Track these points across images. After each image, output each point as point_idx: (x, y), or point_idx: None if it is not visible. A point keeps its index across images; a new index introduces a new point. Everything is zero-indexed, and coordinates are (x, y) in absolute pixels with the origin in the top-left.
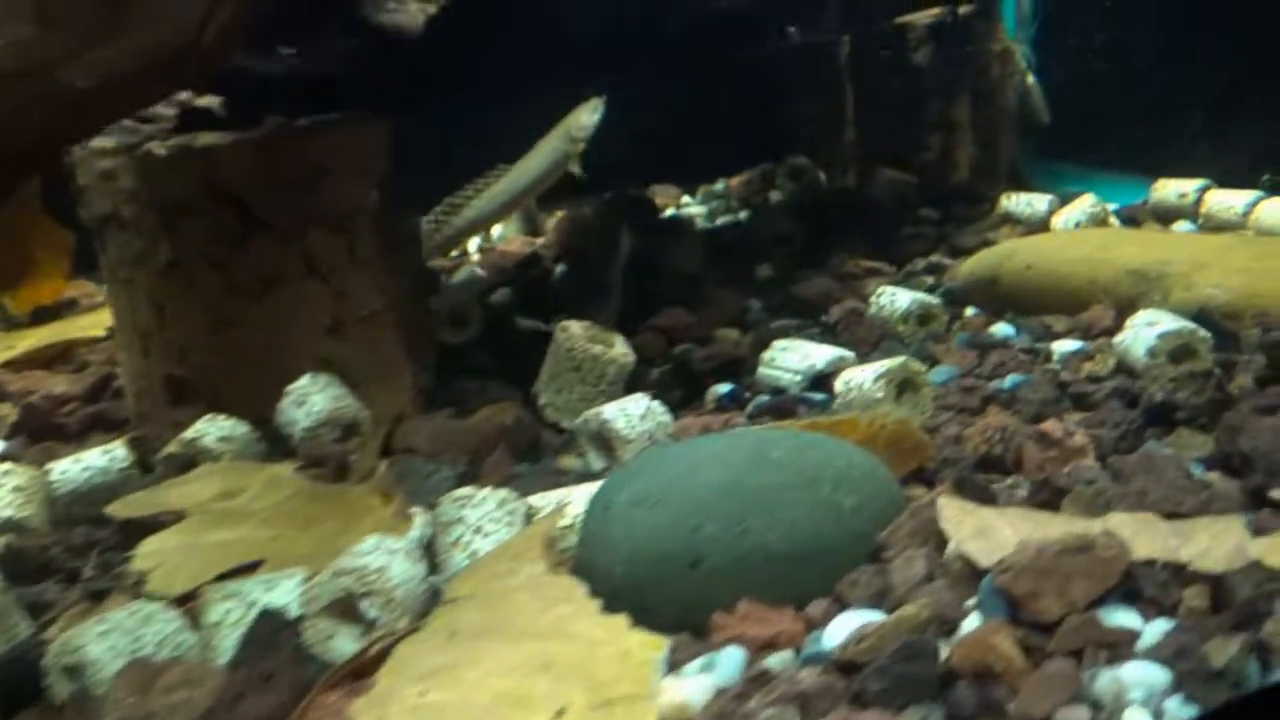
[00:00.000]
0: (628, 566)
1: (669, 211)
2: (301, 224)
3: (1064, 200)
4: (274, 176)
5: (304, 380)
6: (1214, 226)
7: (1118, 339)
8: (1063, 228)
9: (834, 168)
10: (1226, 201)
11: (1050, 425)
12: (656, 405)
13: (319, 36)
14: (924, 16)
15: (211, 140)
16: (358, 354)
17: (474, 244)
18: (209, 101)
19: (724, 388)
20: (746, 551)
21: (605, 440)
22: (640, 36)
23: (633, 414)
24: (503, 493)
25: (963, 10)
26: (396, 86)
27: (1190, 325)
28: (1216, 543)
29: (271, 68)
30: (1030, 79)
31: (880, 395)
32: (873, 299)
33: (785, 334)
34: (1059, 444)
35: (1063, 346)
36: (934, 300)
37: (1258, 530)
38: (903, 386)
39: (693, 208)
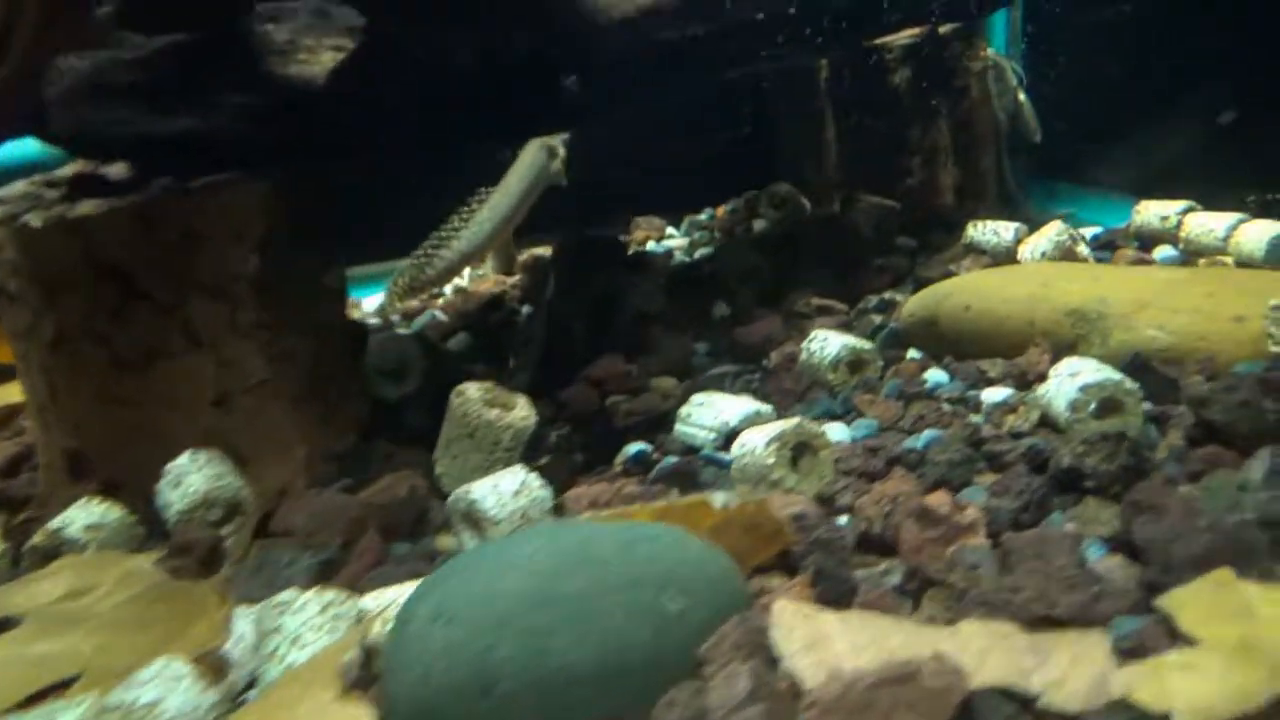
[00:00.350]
0: (416, 694)
1: (650, 244)
2: (181, 293)
3: (1033, 227)
4: (151, 244)
5: (183, 459)
6: (1195, 252)
7: (1041, 389)
8: (1029, 258)
9: (820, 194)
10: (1207, 225)
11: (938, 498)
12: (533, 479)
13: (218, 93)
14: (901, 37)
15: (88, 210)
16: (245, 427)
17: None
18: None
19: (636, 448)
20: (547, 674)
21: (475, 520)
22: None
23: (505, 490)
24: (330, 593)
25: (944, 30)
26: (304, 141)
27: (1114, 376)
28: (1076, 669)
29: (167, 128)
30: (1022, 96)
31: (771, 461)
32: (804, 344)
33: (721, 382)
34: (945, 520)
35: (993, 395)
36: (866, 345)
37: (1137, 647)
38: (799, 450)
39: (675, 240)
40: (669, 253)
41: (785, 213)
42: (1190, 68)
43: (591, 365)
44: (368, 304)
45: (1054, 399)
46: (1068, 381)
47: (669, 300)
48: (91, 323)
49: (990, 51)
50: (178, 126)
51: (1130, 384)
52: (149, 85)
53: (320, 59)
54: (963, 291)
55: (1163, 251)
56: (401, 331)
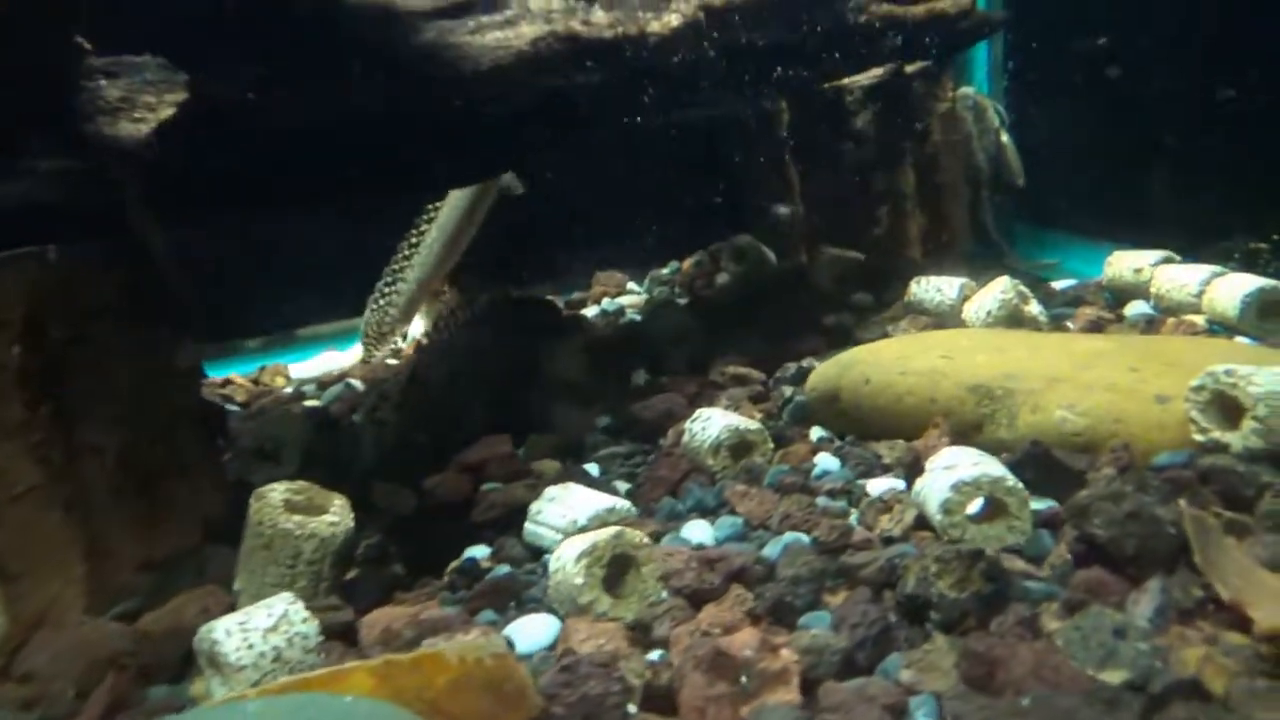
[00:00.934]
0: None
1: (604, 301)
2: None
3: (1020, 277)
4: None
5: None
6: (1167, 309)
7: (917, 485)
8: (974, 318)
9: (786, 245)
10: (1179, 279)
11: (748, 635)
12: (296, 611)
13: (27, 159)
14: (864, 78)
15: None
16: (12, 540)
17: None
18: None
19: (471, 554)
20: None
21: (218, 665)
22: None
23: (254, 627)
24: None
25: (909, 69)
26: (131, 206)
27: (993, 471)
28: None
29: None
30: (1004, 137)
31: (581, 581)
32: (687, 424)
33: (611, 465)
34: (748, 667)
35: (878, 487)
36: (752, 426)
37: None
38: (619, 565)
39: (632, 296)
40: (619, 310)
41: (747, 266)
42: (1180, 106)
43: (471, 446)
44: (296, 370)
45: (927, 497)
46: (941, 476)
47: (591, 367)
48: None
49: (969, 90)
50: None
51: (1012, 482)
52: None
53: (159, 116)
54: (864, 362)
55: (1134, 308)
56: (313, 404)
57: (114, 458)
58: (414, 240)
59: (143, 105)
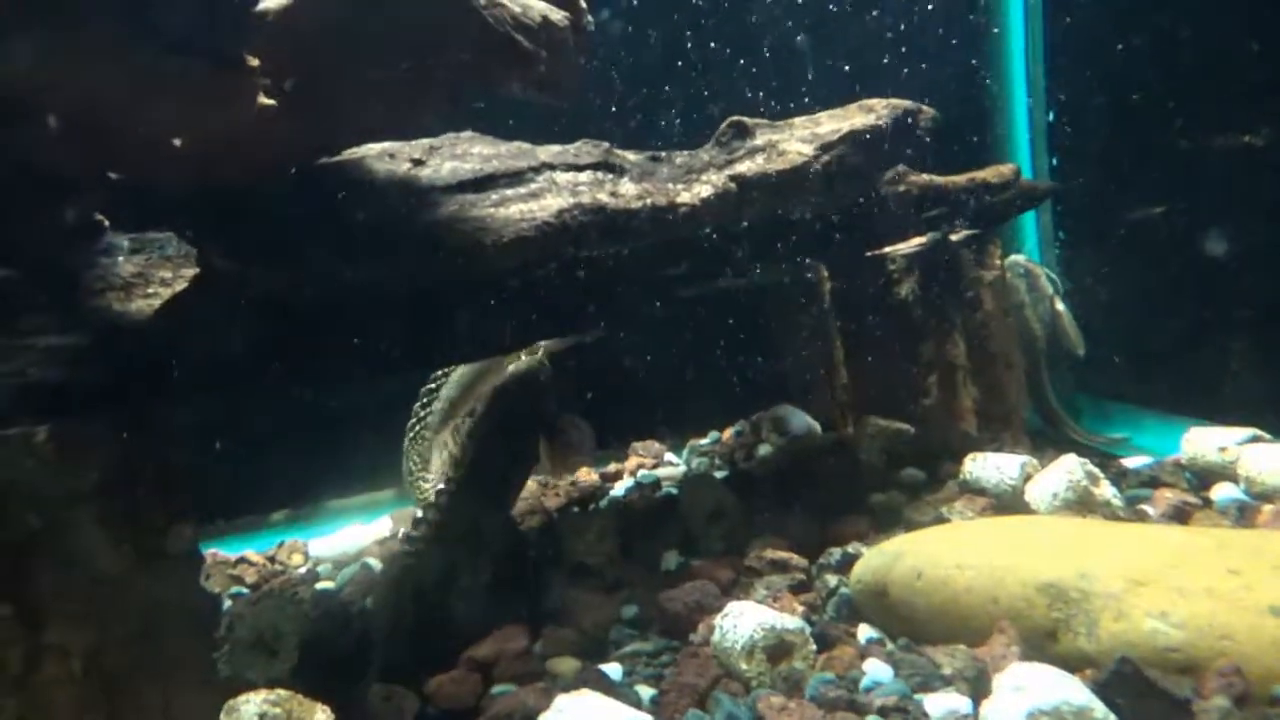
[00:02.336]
0: None
1: (640, 474)
2: None
3: (1044, 460)
4: None
5: None
6: (1261, 495)
7: (984, 709)
8: (1038, 501)
9: (831, 416)
10: (1273, 461)
11: None
12: None
13: (23, 336)
14: (905, 246)
15: None
16: None
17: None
18: None
19: None
20: None
21: None
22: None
23: None
24: None
25: (956, 237)
26: (134, 385)
27: (1077, 699)
28: None
29: None
30: (1060, 305)
31: None
32: (716, 621)
33: (634, 666)
34: None
35: (939, 706)
36: (790, 625)
37: None
38: None
39: (670, 468)
40: (655, 483)
41: (790, 438)
42: (1252, 268)
43: (482, 640)
44: (316, 547)
45: None
46: (1012, 699)
47: (619, 548)
48: None
49: (1020, 258)
50: None
51: (1100, 713)
52: None
53: (173, 292)
54: (915, 553)
55: (1223, 492)
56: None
57: (82, 661)
58: (428, 401)
59: (157, 281)
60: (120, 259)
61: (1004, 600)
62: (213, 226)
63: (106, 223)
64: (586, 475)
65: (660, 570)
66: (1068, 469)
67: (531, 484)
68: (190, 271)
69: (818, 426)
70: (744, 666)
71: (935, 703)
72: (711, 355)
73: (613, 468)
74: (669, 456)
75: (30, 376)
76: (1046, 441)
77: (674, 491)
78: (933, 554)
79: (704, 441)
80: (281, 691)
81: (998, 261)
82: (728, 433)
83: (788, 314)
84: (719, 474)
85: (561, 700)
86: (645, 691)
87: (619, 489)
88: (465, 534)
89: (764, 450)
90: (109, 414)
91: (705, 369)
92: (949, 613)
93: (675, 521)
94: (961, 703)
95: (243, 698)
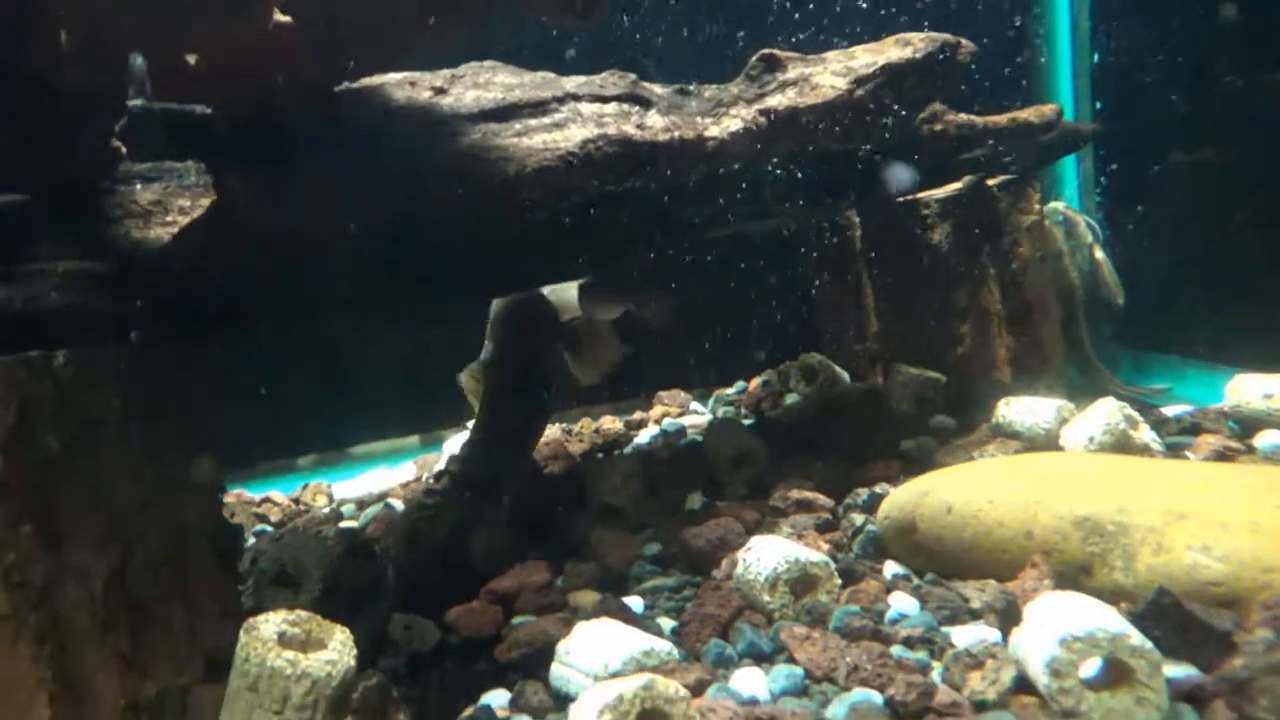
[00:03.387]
0: None
1: (665, 422)
2: None
3: (1080, 406)
4: None
5: None
6: None
7: (1014, 637)
8: (1074, 445)
9: (860, 365)
10: None
11: None
12: None
13: (42, 260)
14: (940, 190)
15: None
16: None
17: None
18: None
19: (487, 700)
20: None
21: None
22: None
23: None
24: None
25: (991, 181)
26: (152, 312)
27: (1116, 626)
28: None
29: None
30: (1099, 254)
31: None
32: (740, 555)
33: (656, 599)
34: None
35: (966, 636)
36: (814, 559)
37: None
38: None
39: (695, 417)
40: (680, 431)
41: (818, 386)
42: None
43: (504, 574)
44: (341, 489)
45: (1029, 653)
46: (1046, 627)
47: (642, 490)
48: None
49: (1059, 205)
50: None
51: (1137, 640)
52: None
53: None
54: (945, 487)
55: (1268, 439)
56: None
57: (103, 583)
58: None
59: (176, 209)
60: (138, 187)
61: (1037, 534)
62: (230, 152)
63: (124, 149)
64: (611, 423)
65: (684, 511)
66: (1105, 412)
67: (555, 430)
68: (208, 200)
69: (845, 375)
70: (767, 599)
71: (962, 634)
72: (738, 303)
73: (637, 416)
74: (695, 406)
75: (50, 301)
76: (1082, 394)
77: (699, 439)
78: (963, 489)
79: (730, 391)
80: (301, 613)
81: (1036, 207)
82: (754, 382)
83: (817, 260)
84: (745, 423)
85: (582, 627)
86: (666, 623)
87: (644, 437)
88: (486, 481)
89: (791, 399)
90: (128, 341)
91: (730, 318)
92: (979, 547)
93: (700, 466)
94: (990, 633)
95: (262, 617)
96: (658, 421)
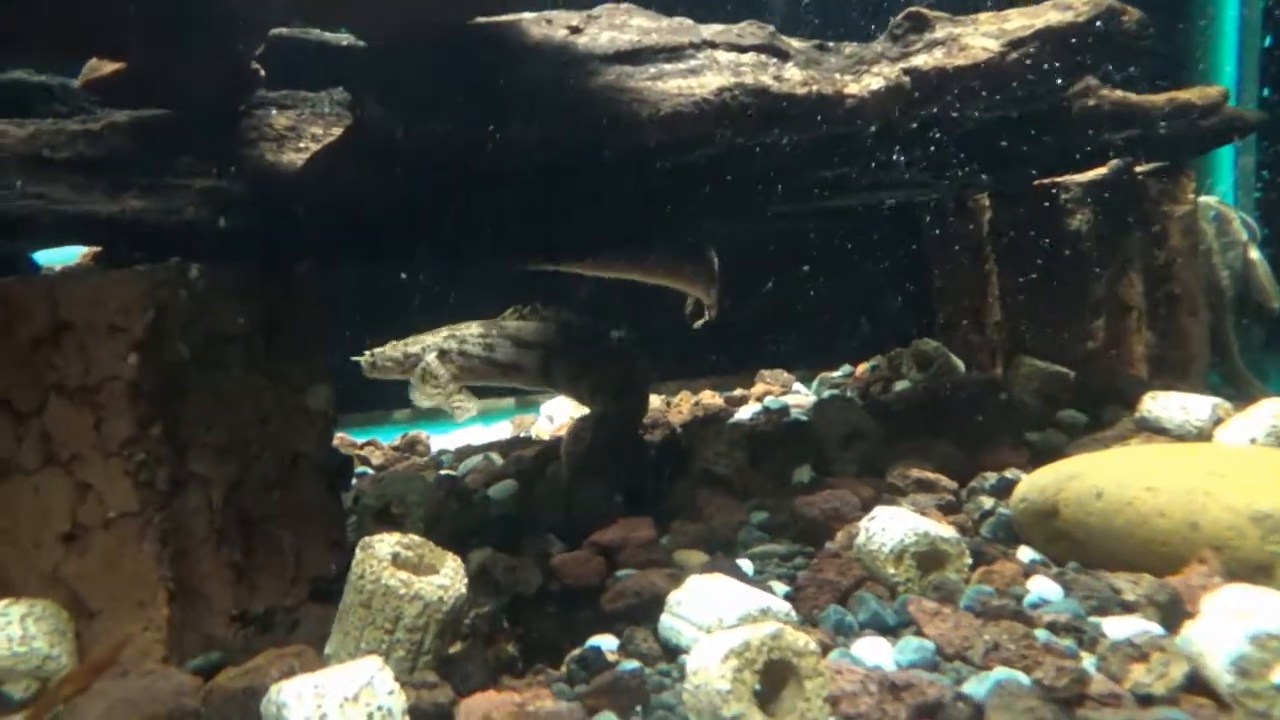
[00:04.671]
0: None
1: (767, 399)
2: (40, 394)
3: (1237, 407)
4: (12, 337)
5: None
6: None
7: (1187, 631)
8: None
9: (978, 354)
10: None
11: None
12: (382, 680)
13: (180, 176)
14: (1083, 175)
15: None
16: (97, 572)
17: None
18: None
19: (595, 643)
20: None
21: None
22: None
23: (330, 694)
24: None
25: (1141, 168)
26: (280, 235)
27: None
28: None
29: (107, 209)
30: (1254, 253)
31: (726, 688)
32: (862, 524)
33: (766, 563)
34: None
35: (1121, 629)
36: (946, 534)
37: None
38: (775, 674)
39: (798, 397)
40: (783, 409)
41: (931, 374)
42: None
43: (608, 526)
44: (439, 441)
45: (1208, 650)
46: (1230, 623)
47: (748, 460)
48: None
49: (1210, 199)
50: (121, 208)
51: None
52: (94, 162)
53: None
54: (1095, 472)
55: None
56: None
57: (221, 494)
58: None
59: (309, 136)
60: (273, 112)
61: (1206, 527)
62: (371, 77)
63: (262, 72)
64: (711, 398)
65: (792, 484)
66: (1272, 414)
67: (655, 400)
68: (340, 128)
69: (961, 364)
70: (891, 571)
71: (1116, 625)
72: (850, 283)
73: (738, 393)
74: (797, 386)
75: (186, 215)
76: (1227, 399)
77: (803, 418)
78: (1117, 474)
79: (835, 374)
80: (414, 537)
81: (1190, 196)
82: (861, 367)
83: (940, 241)
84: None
85: (695, 580)
86: (778, 587)
87: (745, 412)
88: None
89: (901, 386)
90: (256, 261)
91: (842, 298)
92: (1133, 537)
93: (808, 441)
94: (1150, 627)
95: (376, 537)
96: (759, 399)
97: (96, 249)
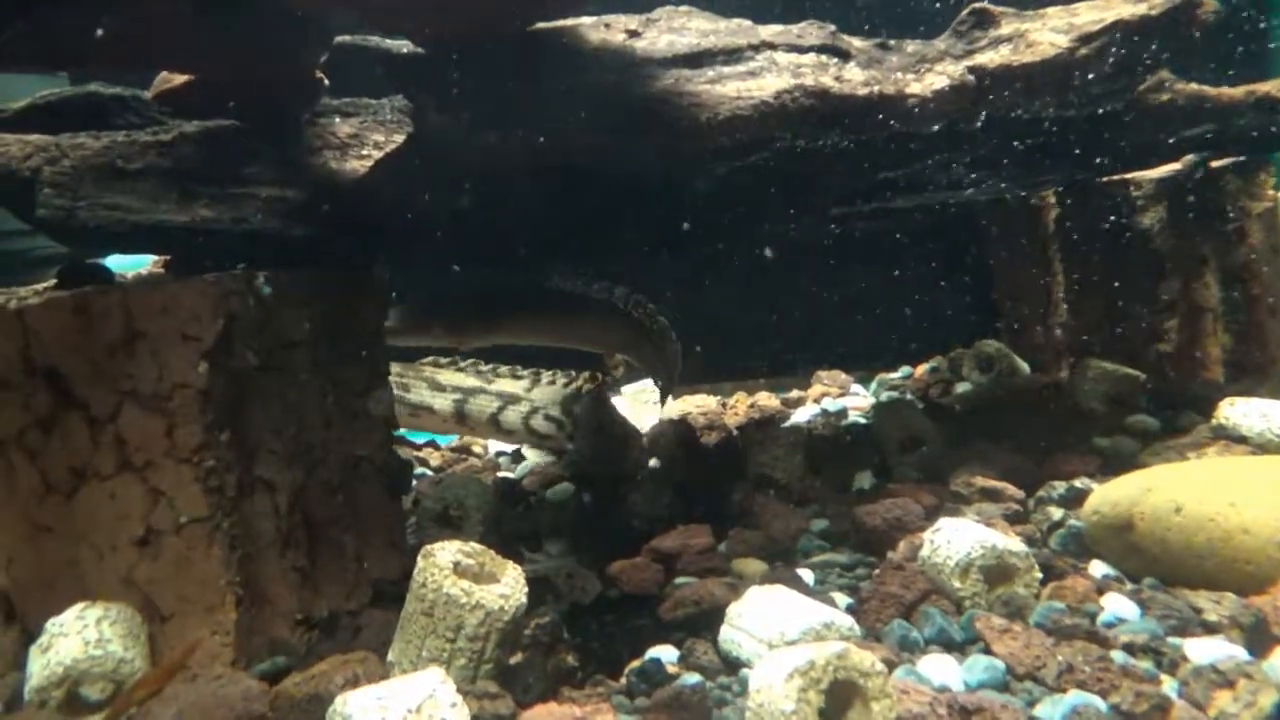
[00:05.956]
0: None
1: (825, 401)
2: (115, 400)
3: None
4: (90, 343)
5: (68, 614)
6: None
7: (1276, 658)
8: None
9: (1043, 356)
10: None
11: None
12: (445, 692)
13: (248, 185)
14: (1156, 170)
15: (27, 299)
16: (170, 575)
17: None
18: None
19: (655, 654)
20: None
21: None
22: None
23: (394, 705)
24: None
25: (1217, 163)
26: (346, 242)
27: None
28: None
29: (179, 218)
30: None
31: (791, 708)
32: (927, 535)
33: (826, 574)
34: None
35: (1203, 651)
36: (1016, 548)
37: None
38: (841, 695)
39: (857, 399)
40: (841, 412)
41: (994, 376)
42: None
43: (666, 533)
44: (494, 444)
45: None
46: None
47: (807, 467)
48: (25, 433)
49: None
50: (190, 218)
51: None
52: (166, 172)
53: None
54: (1174, 485)
55: None
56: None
57: (287, 499)
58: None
59: (371, 144)
60: (337, 120)
61: None
62: (431, 83)
63: (326, 81)
64: (767, 400)
65: (851, 490)
66: None
67: (711, 402)
68: (402, 136)
69: (1025, 366)
70: (957, 584)
71: (1198, 648)
72: (911, 283)
73: (795, 394)
74: (855, 388)
75: (252, 224)
76: None
77: (862, 421)
78: (1197, 487)
79: (894, 376)
80: (476, 545)
81: (1269, 192)
82: (921, 368)
83: (1004, 238)
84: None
85: (756, 592)
86: (840, 599)
87: (802, 415)
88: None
89: (962, 388)
90: (321, 268)
91: (902, 298)
92: (1215, 554)
93: (867, 446)
94: (1235, 651)
95: (438, 545)
96: (816, 400)
97: (166, 257)
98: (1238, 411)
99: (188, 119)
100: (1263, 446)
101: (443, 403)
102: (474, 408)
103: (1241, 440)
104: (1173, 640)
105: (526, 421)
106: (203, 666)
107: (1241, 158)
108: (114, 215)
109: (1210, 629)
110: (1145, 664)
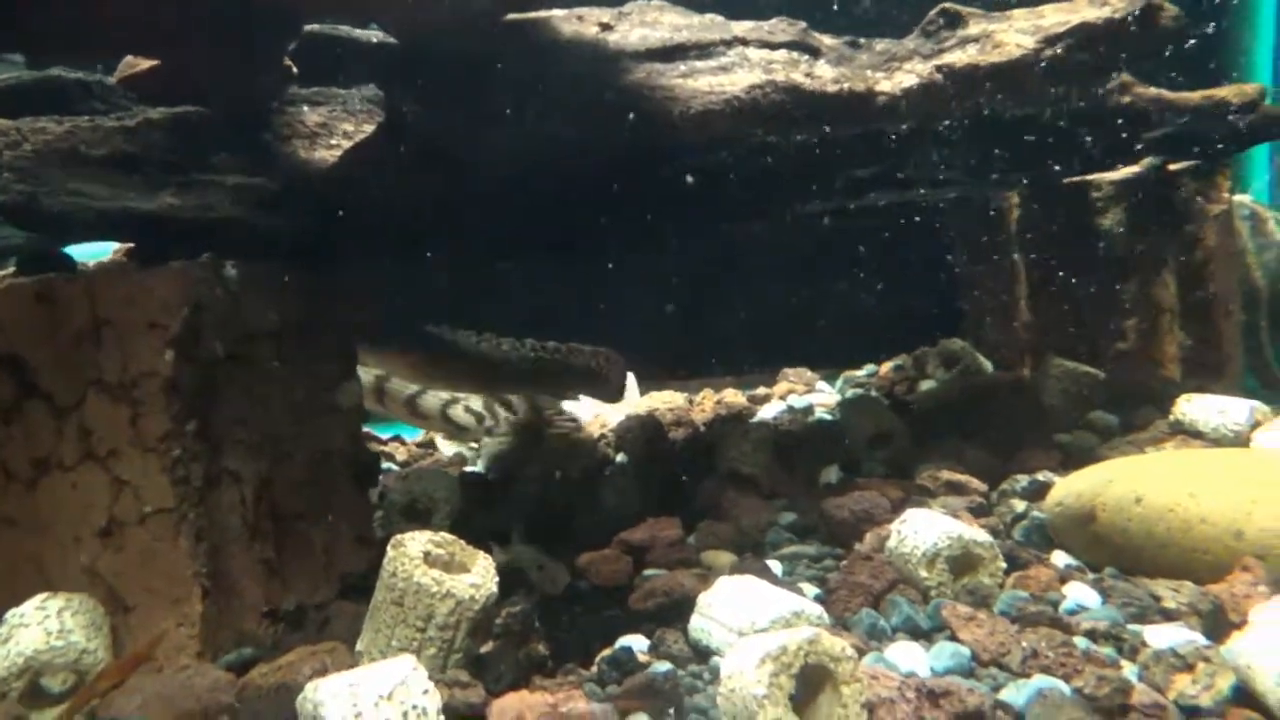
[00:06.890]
0: None
1: (791, 398)
2: (79, 389)
3: (1275, 410)
4: (53, 332)
5: (29, 605)
6: None
7: (1234, 642)
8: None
9: (1005, 355)
10: None
11: None
12: (417, 679)
13: (214, 173)
14: (1116, 173)
15: None
16: (134, 567)
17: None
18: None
19: (626, 643)
20: None
21: None
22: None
23: (365, 693)
24: None
25: (1175, 166)
26: (313, 231)
27: None
28: None
29: (142, 206)
30: None
31: (762, 692)
32: (894, 526)
33: (794, 565)
34: None
35: (1162, 637)
36: (980, 538)
37: None
38: (812, 679)
39: (821, 395)
40: (808, 408)
41: (958, 374)
42: None
43: (636, 526)
44: None
45: (1258, 662)
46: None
47: (775, 462)
48: None
49: (1245, 198)
50: (156, 205)
51: None
52: (130, 159)
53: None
54: (1135, 476)
55: None
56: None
57: (254, 490)
58: None
59: (340, 133)
60: (305, 109)
61: (1251, 536)
62: (402, 73)
63: (295, 69)
64: (734, 396)
65: (819, 485)
66: None
67: (678, 398)
68: (372, 126)
69: (988, 364)
70: (923, 574)
71: (1157, 634)
72: (875, 281)
73: (761, 391)
74: (821, 385)
75: (219, 212)
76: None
77: (828, 417)
78: (1157, 479)
79: (859, 373)
80: (446, 535)
81: (1225, 195)
82: (885, 366)
83: (967, 239)
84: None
85: (726, 582)
86: (809, 589)
87: (768, 411)
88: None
89: (927, 385)
90: (289, 259)
91: (865, 296)
92: (1174, 543)
93: (835, 441)
94: (1194, 637)
95: (408, 535)
96: (782, 397)
97: (129, 245)
98: (1194, 407)
99: (153, 105)
100: (1218, 441)
101: (364, 376)
102: (394, 386)
103: (1198, 435)
104: (1133, 627)
105: (444, 410)
106: (168, 658)
107: (1199, 161)
108: (78, 202)
109: (1169, 616)
110: (1107, 649)
